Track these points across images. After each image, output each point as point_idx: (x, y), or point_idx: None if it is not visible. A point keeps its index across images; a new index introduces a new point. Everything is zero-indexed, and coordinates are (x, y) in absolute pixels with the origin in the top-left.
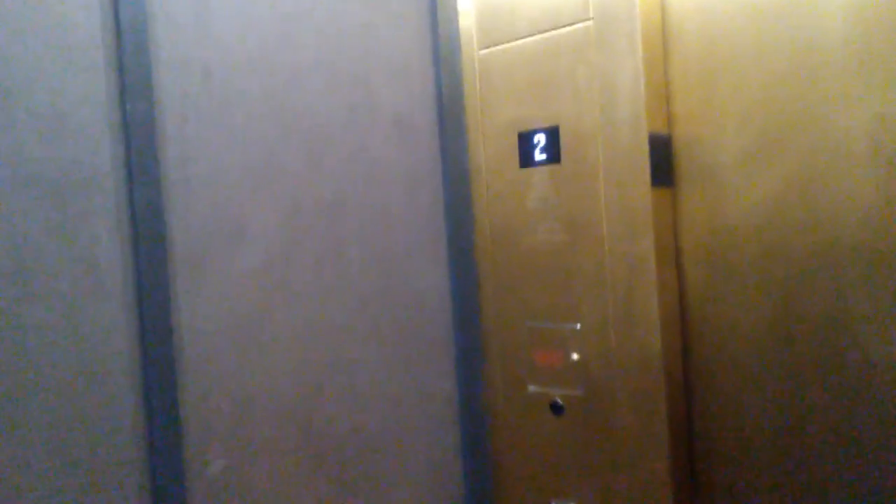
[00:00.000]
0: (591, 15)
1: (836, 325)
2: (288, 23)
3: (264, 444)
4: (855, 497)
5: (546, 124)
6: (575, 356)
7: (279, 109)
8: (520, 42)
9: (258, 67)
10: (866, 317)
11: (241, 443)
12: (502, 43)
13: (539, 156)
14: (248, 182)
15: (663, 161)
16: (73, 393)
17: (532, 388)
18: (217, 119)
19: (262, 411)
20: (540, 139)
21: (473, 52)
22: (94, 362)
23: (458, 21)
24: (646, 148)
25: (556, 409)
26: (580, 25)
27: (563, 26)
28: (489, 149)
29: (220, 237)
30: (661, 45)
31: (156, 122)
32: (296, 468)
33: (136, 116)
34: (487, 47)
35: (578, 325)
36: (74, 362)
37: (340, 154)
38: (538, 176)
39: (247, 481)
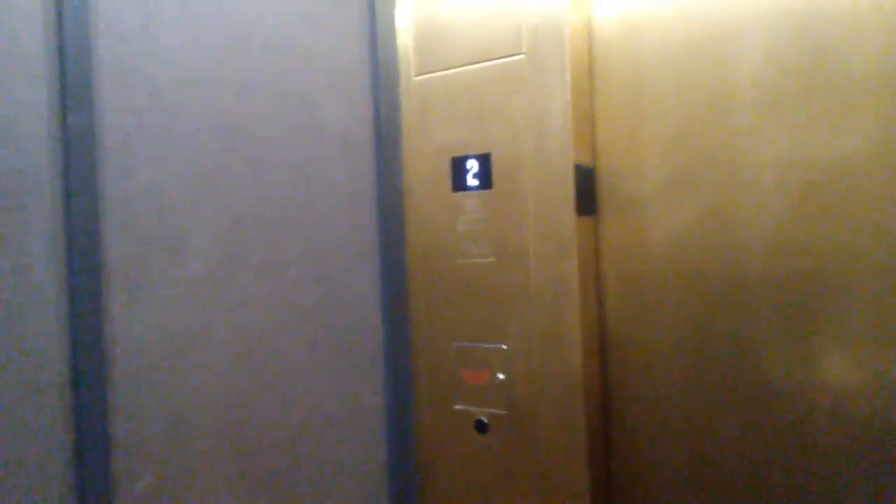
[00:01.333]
0: (524, 49)
1: (742, 349)
2: (234, 39)
3: (196, 459)
4: (759, 500)
5: (479, 151)
6: (501, 375)
7: (224, 125)
8: (455, 71)
9: (204, 82)
10: (769, 342)
11: (172, 458)
12: (438, 71)
13: (471, 181)
14: (189, 196)
15: (587, 191)
16: (0, 405)
17: (458, 406)
18: (161, 133)
19: (196, 426)
20: (472, 165)
21: (410, 77)
22: (23, 374)
23: (396, 49)
24: (571, 178)
25: (480, 427)
26: (513, 59)
27: (497, 58)
28: (423, 172)
29: (158, 251)
30: (588, 81)
31: (96, 135)
32: (228, 484)
33: (76, 128)
34: (424, 74)
35: (505, 346)
36: (2, 373)
37: (282, 171)
38: (470, 200)
39: (178, 497)
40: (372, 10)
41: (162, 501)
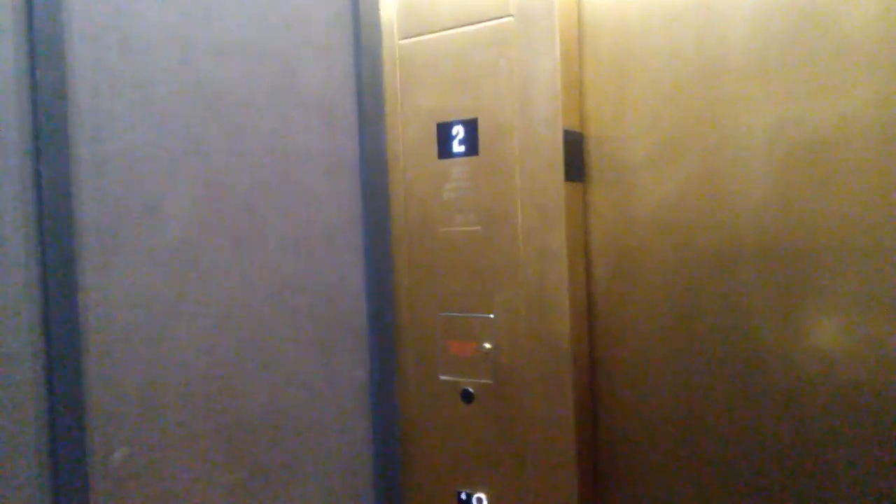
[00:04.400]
0: (512, 11)
1: (733, 318)
2: None
3: (173, 430)
4: (750, 479)
5: (465, 116)
6: (487, 345)
7: (199, 86)
8: (441, 34)
9: (178, 41)
10: (759, 309)
11: (148, 430)
12: (423, 34)
13: (457, 147)
14: (163, 160)
15: (576, 156)
16: None
17: (444, 376)
18: (133, 93)
19: (172, 397)
20: (458, 131)
21: (394, 41)
22: None
23: (378, 11)
24: (560, 143)
25: (466, 396)
26: (501, 21)
27: (484, 21)
28: (408, 139)
29: (132, 216)
30: (577, 44)
31: (67, 93)
32: (206, 455)
33: (45, 86)
34: (408, 37)
35: (492, 315)
36: None
37: (260, 136)
38: (456, 167)
39: (154, 469)
40: None
41: (138, 473)
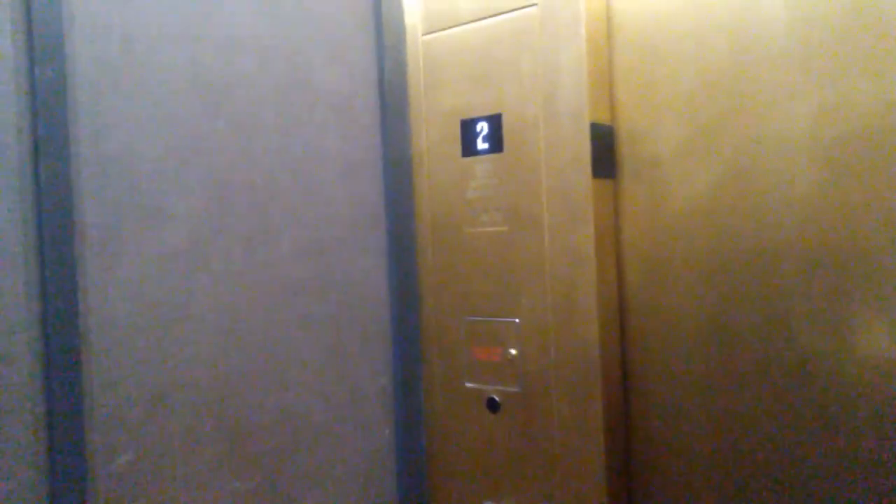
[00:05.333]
0: (536, 1)
1: (773, 321)
2: None
3: (179, 437)
4: (789, 487)
5: (489, 112)
6: (513, 351)
7: (206, 84)
8: (464, 27)
9: (184, 38)
10: (802, 313)
11: (152, 436)
12: (447, 28)
13: (481, 144)
14: (169, 160)
15: (605, 151)
16: None
17: (469, 384)
18: (137, 91)
19: (178, 402)
20: (483, 127)
21: (417, 36)
22: None
23: (402, 6)
24: (587, 138)
25: (492, 405)
26: (525, 11)
27: (508, 12)
28: (431, 136)
29: (136, 217)
30: (605, 33)
31: (67, 91)
32: (214, 463)
33: (44, 83)
34: (431, 32)
35: (517, 320)
36: None
37: (273, 135)
38: (480, 165)
39: (158, 477)
40: None
41: (140, 480)
